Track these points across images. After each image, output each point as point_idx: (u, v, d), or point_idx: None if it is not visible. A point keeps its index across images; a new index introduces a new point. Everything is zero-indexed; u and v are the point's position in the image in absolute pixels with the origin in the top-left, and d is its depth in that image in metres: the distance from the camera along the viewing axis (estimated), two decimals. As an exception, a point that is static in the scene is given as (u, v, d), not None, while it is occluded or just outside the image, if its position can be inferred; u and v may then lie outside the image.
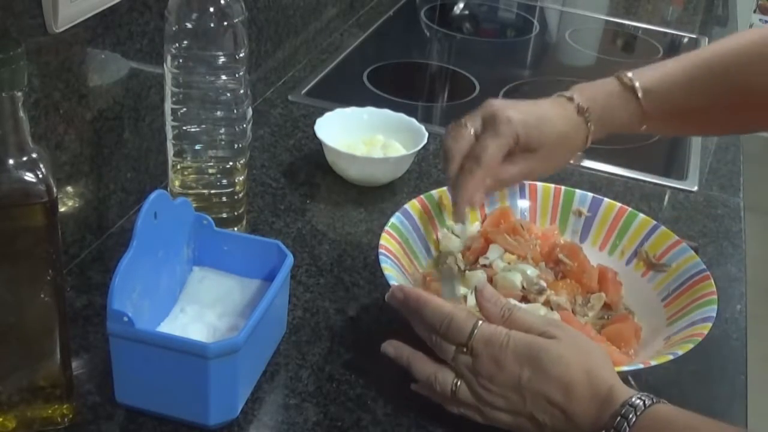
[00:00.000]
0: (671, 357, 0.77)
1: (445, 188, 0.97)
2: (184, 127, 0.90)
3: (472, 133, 0.88)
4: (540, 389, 0.70)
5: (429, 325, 0.74)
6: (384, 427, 0.77)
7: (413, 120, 1.16)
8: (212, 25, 0.85)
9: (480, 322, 0.73)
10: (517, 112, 0.88)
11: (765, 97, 0.90)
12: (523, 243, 0.92)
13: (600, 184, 1.17)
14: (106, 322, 0.70)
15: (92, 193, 0.93)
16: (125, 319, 0.69)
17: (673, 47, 1.80)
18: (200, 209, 0.85)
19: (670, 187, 1.21)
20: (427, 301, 0.75)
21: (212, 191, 0.93)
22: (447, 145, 0.89)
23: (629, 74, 0.92)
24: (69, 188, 0.89)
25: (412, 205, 0.94)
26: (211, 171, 0.93)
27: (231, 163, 0.93)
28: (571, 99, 0.91)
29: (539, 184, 1.00)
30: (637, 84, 0.91)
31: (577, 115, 0.90)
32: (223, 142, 0.91)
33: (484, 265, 0.90)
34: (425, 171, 1.17)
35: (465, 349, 0.72)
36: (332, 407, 0.78)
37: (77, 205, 0.91)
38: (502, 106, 0.89)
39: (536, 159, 0.90)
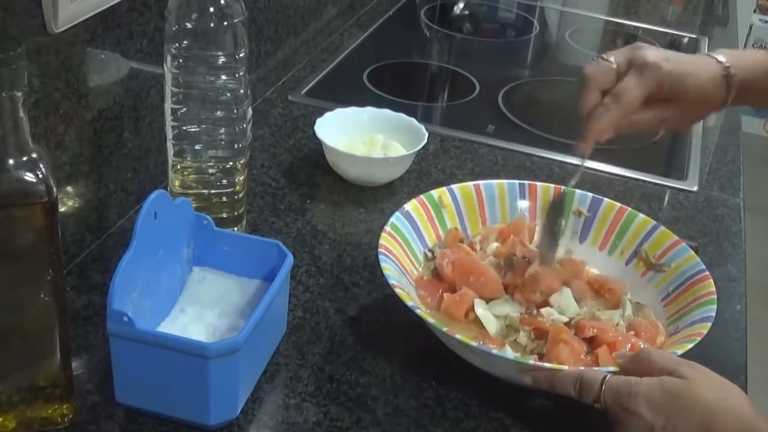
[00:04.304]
0: (671, 357, 0.77)
1: (444, 188, 0.97)
2: (184, 127, 0.90)
3: (615, 68, 0.88)
4: None
5: (564, 392, 0.75)
6: (384, 427, 0.77)
7: (413, 120, 1.16)
8: (212, 25, 0.85)
9: (608, 375, 0.73)
10: (667, 62, 0.88)
11: None
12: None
13: (600, 184, 1.17)
14: (106, 322, 0.70)
15: (92, 193, 0.93)
16: (125, 319, 0.70)
17: (673, 47, 1.79)
18: (200, 209, 0.85)
19: (670, 187, 1.21)
20: (555, 371, 0.76)
21: (212, 191, 0.93)
22: (588, 75, 0.89)
23: None
24: (69, 188, 0.89)
25: (412, 205, 0.94)
26: (211, 171, 0.93)
27: (231, 163, 0.93)
28: (720, 61, 0.90)
29: (539, 184, 1.00)
30: None
31: (722, 77, 0.89)
32: (223, 142, 0.91)
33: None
34: (425, 171, 1.17)
35: (599, 405, 0.73)
36: (332, 407, 0.78)
37: (77, 205, 0.91)
38: (654, 51, 0.89)
39: (673, 110, 0.89)
